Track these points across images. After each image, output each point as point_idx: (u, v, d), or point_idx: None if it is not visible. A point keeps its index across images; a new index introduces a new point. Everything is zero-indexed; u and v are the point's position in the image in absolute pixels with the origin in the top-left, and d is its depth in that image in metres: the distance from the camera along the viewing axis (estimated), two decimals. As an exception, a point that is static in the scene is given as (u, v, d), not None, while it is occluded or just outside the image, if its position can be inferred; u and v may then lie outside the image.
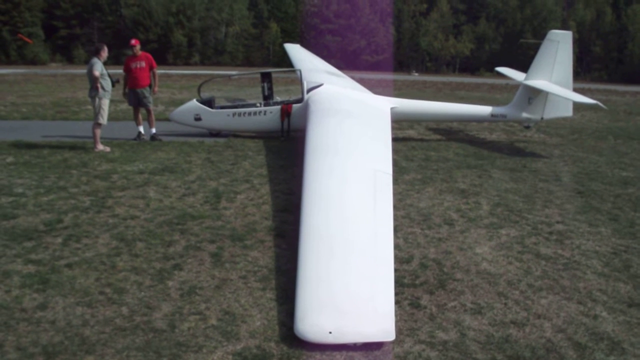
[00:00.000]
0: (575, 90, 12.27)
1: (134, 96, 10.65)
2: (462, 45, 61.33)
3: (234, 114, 11.14)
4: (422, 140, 12.33)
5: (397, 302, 4.20)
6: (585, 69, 58.52)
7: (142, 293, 4.35)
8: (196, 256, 5.12)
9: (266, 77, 11.59)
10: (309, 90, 10.88)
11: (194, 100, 11.32)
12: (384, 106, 10.60)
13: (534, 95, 11.77)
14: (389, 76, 40.79)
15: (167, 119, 11.95)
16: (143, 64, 10.61)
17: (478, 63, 59.48)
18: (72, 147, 9.78)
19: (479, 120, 12.58)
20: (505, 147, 11.82)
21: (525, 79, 11.87)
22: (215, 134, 11.42)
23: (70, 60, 51.56)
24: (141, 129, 10.87)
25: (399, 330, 3.86)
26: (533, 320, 4.16)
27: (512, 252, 5.55)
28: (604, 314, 4.30)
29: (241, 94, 15.85)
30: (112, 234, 5.59)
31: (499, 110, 12.13)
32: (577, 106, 13.51)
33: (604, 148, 12.12)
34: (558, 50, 11.56)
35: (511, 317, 4.20)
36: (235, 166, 8.83)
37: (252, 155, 9.78)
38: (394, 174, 6.24)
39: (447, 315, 4.17)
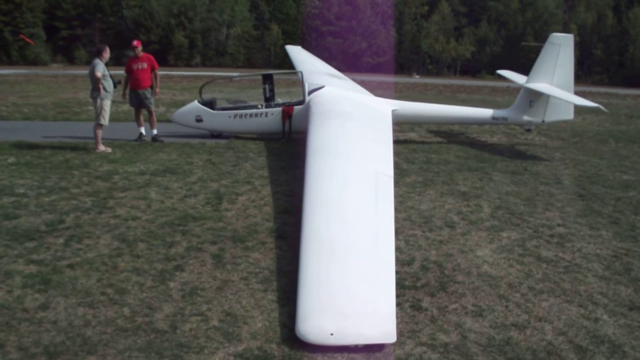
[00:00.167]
0: (577, 93, 12.29)
1: (135, 97, 10.66)
2: (463, 47, 61.25)
3: (235, 116, 11.15)
4: (423, 142, 12.34)
5: (398, 304, 4.21)
6: (586, 72, 58.44)
7: (144, 294, 4.36)
8: (197, 257, 5.13)
9: (267, 78, 11.58)
10: (310, 92, 10.88)
11: (195, 101, 11.33)
12: (385, 108, 10.60)
13: (535, 98, 11.78)
14: (390, 78, 40.69)
15: (169, 120, 11.97)
16: (145, 65, 10.62)
17: (479, 66, 59.35)
18: (74, 148, 9.79)
19: (480, 122, 12.58)
20: (506, 150, 11.82)
21: (527, 81, 11.88)
22: (216, 135, 11.43)
23: (71, 61, 51.50)
24: (142, 130, 10.88)
25: (400, 332, 3.87)
26: (534, 322, 4.17)
27: (513, 255, 5.56)
28: (605, 317, 4.31)
29: (242, 95, 15.84)
30: (114, 235, 5.60)
31: (500, 113, 12.13)
32: (579, 109, 13.53)
33: (605, 151, 12.11)
34: (559, 54, 11.58)
35: (512, 319, 4.20)
36: (237, 168, 8.84)
37: (254, 156, 9.79)
38: (395, 176, 6.25)
39: (448, 318, 4.18)
